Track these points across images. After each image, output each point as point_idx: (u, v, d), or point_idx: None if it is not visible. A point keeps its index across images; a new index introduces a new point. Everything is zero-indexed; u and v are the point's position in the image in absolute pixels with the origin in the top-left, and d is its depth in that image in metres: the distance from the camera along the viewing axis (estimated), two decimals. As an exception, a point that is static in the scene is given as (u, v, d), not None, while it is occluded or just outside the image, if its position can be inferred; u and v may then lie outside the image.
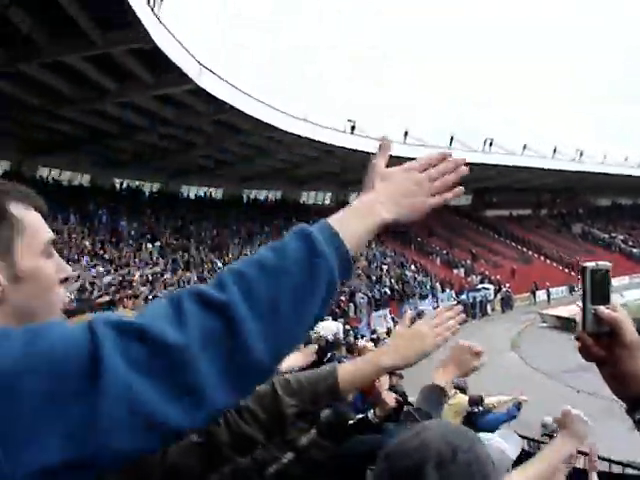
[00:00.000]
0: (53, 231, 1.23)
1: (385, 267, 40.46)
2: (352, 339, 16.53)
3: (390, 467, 1.30)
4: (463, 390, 8.59)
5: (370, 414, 2.42)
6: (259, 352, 0.94)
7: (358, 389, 2.17)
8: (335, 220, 1.09)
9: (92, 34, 20.84)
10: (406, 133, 42.07)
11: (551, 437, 8.05)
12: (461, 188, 1.25)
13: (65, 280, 1.23)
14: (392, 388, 3.23)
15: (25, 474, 0.80)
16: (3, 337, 0.88)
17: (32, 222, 1.16)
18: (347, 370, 1.95)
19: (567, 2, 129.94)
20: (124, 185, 38.54)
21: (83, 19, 20.03)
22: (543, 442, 7.91)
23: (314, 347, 2.54)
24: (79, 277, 12.82)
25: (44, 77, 23.69)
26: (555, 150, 52.66)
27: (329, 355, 9.54)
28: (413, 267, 43.01)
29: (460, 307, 2.17)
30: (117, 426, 0.85)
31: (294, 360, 2.65)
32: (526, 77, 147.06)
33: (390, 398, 2.36)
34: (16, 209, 1.13)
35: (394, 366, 2.00)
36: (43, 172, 33.80)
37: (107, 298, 8.67)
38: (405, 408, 2.31)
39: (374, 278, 37.11)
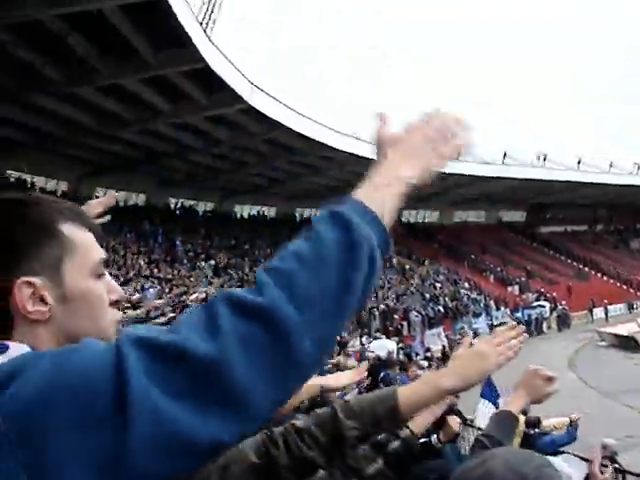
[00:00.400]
0: (110, 250, 1.21)
1: (439, 285, 40.20)
2: (403, 357, 16.42)
3: None
4: (524, 411, 8.44)
5: (434, 439, 2.38)
6: (304, 349, 0.91)
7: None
8: (364, 197, 1.08)
9: (146, 57, 21.34)
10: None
11: (612, 459, 7.87)
12: (470, 134, 1.23)
13: (116, 302, 1.21)
14: (452, 408, 3.18)
15: None
16: (38, 357, 0.88)
17: (83, 242, 1.14)
18: (407, 393, 1.92)
19: (567, 2, 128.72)
20: (178, 204, 39.12)
21: (137, 42, 20.51)
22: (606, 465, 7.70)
23: (365, 365, 2.51)
24: (141, 300, 12.84)
25: (100, 100, 24.26)
26: (611, 164, 51.63)
27: (382, 374, 9.47)
28: (467, 285, 42.65)
29: (522, 327, 2.13)
30: (148, 448, 0.82)
31: (346, 378, 2.62)
32: (526, 77, 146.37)
33: (455, 423, 2.33)
34: (67, 228, 1.11)
35: (454, 388, 1.98)
36: (99, 193, 34.44)
37: (163, 319, 8.70)
38: (476, 435, 2.27)
39: (428, 296, 36.88)
